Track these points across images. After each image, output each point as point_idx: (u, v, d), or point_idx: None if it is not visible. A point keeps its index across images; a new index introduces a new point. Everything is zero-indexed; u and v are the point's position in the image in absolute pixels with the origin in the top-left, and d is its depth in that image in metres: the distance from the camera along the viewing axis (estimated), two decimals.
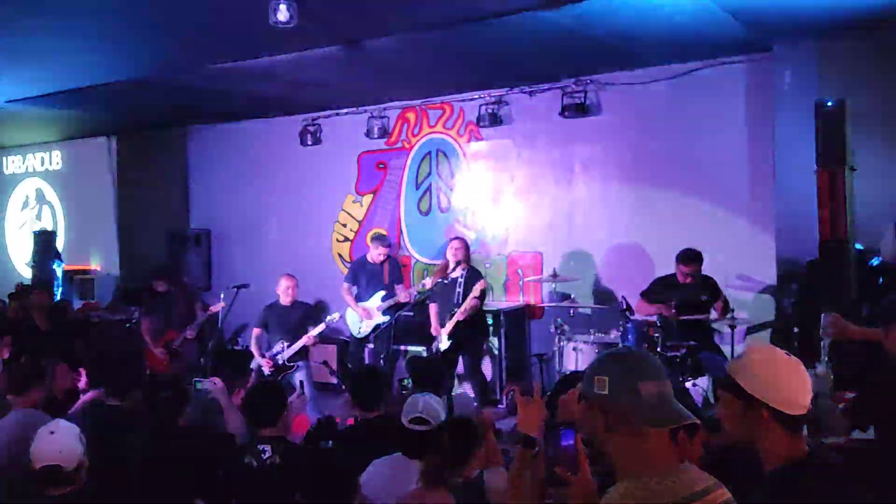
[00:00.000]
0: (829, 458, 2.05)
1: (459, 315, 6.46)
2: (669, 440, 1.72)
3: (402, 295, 7.30)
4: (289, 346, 6.66)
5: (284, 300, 6.83)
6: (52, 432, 3.10)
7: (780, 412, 1.94)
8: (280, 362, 6.67)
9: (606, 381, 1.70)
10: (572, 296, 7.16)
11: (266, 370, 6.64)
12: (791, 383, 1.98)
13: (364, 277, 7.45)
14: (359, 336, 7.42)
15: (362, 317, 7.32)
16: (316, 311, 7.17)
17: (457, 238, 6.91)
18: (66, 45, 6.07)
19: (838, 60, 5.84)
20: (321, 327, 6.76)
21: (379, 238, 7.67)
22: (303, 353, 6.81)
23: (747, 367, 1.99)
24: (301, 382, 6.24)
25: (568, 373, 5.60)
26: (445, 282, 6.65)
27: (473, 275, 6.65)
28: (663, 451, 1.69)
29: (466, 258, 6.71)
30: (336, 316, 6.94)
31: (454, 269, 6.61)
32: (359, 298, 7.43)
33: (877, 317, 3.55)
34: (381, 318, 7.28)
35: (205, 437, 3.91)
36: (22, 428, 3.65)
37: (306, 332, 6.69)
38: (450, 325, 6.51)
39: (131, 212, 10.12)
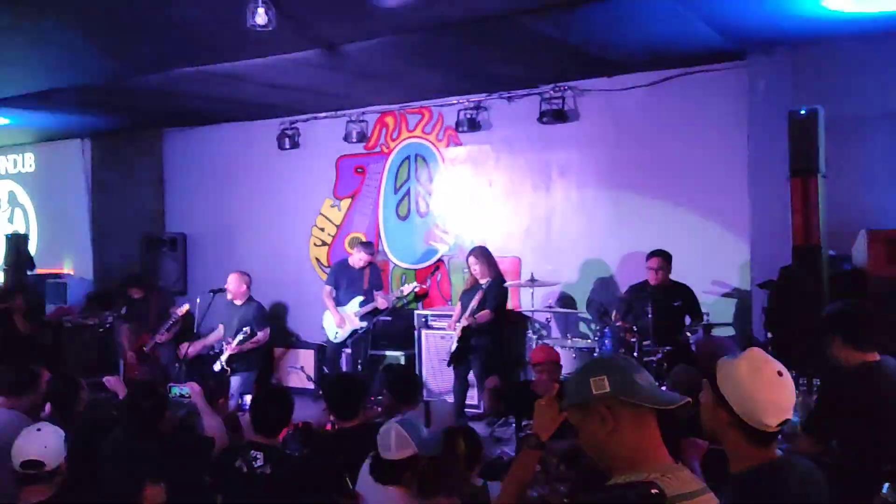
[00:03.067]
0: (791, 462, 2.07)
1: (464, 321, 6.48)
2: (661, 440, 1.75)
3: (380, 301, 7.28)
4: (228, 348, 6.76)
5: (233, 299, 6.95)
6: (38, 429, 3.16)
7: (739, 418, 1.96)
8: (224, 364, 6.76)
9: (605, 380, 1.72)
10: (550, 301, 7.19)
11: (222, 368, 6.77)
12: (762, 398, 1.96)
13: (344, 281, 7.42)
14: (336, 341, 7.39)
15: (338, 323, 7.28)
16: (262, 313, 7.08)
17: (470, 254, 6.78)
18: (40, 47, 5.98)
19: (811, 70, 5.94)
20: (238, 338, 6.76)
21: (364, 245, 7.62)
22: (246, 360, 6.80)
23: (730, 367, 2.00)
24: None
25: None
26: (467, 289, 6.74)
27: (493, 285, 6.61)
28: (661, 445, 1.73)
29: (486, 269, 6.62)
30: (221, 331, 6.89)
31: (477, 282, 6.64)
32: (337, 302, 7.39)
33: (820, 328, 3.45)
34: (358, 324, 7.25)
35: (185, 441, 3.89)
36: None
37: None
38: (458, 330, 6.54)
39: (105, 215, 9.97)
